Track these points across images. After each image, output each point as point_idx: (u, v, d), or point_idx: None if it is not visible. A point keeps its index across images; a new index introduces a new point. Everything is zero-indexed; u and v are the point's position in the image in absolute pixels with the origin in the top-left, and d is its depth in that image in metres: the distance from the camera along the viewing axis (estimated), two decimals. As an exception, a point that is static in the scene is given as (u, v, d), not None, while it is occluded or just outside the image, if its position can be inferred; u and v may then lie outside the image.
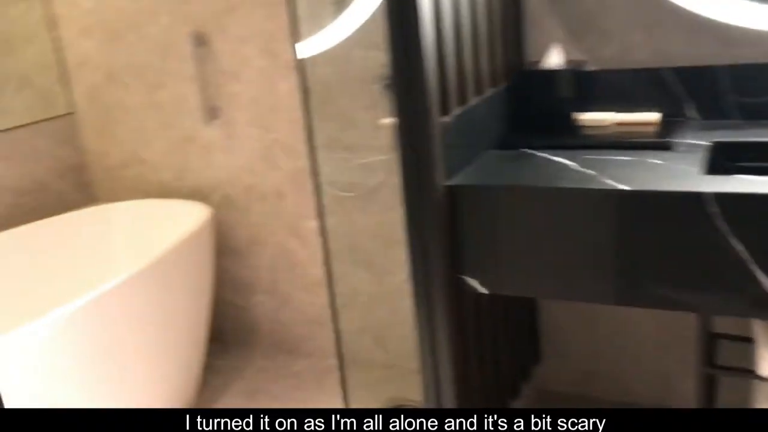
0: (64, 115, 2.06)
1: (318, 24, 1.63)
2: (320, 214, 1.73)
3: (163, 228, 1.86)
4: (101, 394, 1.42)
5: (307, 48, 1.63)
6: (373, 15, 1.52)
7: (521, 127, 1.39)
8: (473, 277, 1.13)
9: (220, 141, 1.90)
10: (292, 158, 1.83)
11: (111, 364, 1.44)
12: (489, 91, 1.28)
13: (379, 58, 1.64)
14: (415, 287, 1.15)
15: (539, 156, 1.21)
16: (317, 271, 1.90)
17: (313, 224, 1.86)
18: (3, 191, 1.89)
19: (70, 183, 2.08)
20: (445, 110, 1.11)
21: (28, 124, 1.98)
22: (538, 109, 1.40)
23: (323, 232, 1.70)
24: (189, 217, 1.79)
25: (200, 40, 1.81)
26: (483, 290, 1.13)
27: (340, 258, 1.78)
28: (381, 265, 1.77)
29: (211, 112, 1.86)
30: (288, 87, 1.76)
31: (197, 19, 1.80)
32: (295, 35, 1.65)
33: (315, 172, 1.71)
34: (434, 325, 1.14)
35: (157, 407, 1.57)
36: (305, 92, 1.66)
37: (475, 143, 1.24)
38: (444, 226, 1.10)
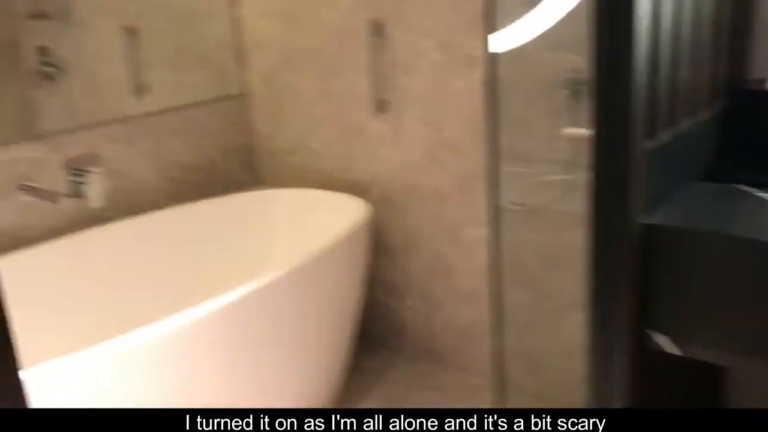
0: (237, 95, 2.08)
1: (504, 19, 1.49)
2: (490, 224, 1.61)
3: (323, 221, 1.82)
4: (241, 391, 1.40)
5: (491, 45, 1.50)
6: (570, 13, 1.35)
7: (734, 156, 1.17)
8: (664, 333, 0.96)
9: (386, 135, 1.82)
10: (459, 160, 1.71)
11: (255, 360, 1.42)
12: (704, 113, 1.09)
13: (568, 62, 1.48)
14: (592, 334, 0.99)
15: (758, 196, 1.01)
16: (473, 282, 1.78)
17: (474, 232, 1.73)
18: (174, 166, 1.93)
19: (238, 163, 2.10)
20: (652, 131, 0.94)
21: (203, 102, 2.01)
22: (760, 137, 1.17)
23: (492, 242, 1.58)
24: (349, 213, 1.73)
25: (377, 29, 1.73)
26: (674, 350, 0.96)
27: (501, 272, 1.64)
28: (543, 288, 1.62)
29: (381, 105, 1.79)
30: (463, 84, 1.64)
31: (377, 6, 1.72)
32: (487, 28, 1.52)
33: (490, 179, 1.59)
34: (611, 383, 0.98)
35: (297, 407, 1.54)
36: (490, 91, 1.53)
37: (679, 173, 1.05)
38: (636, 269, 0.94)
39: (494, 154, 1.50)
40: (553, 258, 1.58)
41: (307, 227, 1.88)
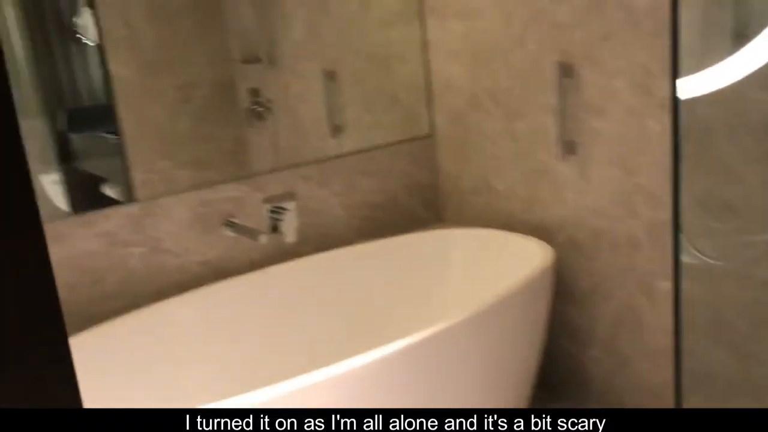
0: (424, 136, 2.12)
1: (708, 59, 1.39)
2: (675, 276, 1.49)
3: (505, 264, 1.79)
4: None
5: (690, 86, 1.40)
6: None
7: None
8: None
9: (573, 178, 1.76)
10: (654, 208, 1.60)
11: (430, 405, 1.42)
12: None
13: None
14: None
15: None
16: (667, 340, 1.65)
17: (668, 285, 1.61)
18: (361, 204, 2.01)
19: (420, 202, 2.14)
20: None
21: (392, 143, 2.07)
22: None
23: (676, 296, 1.46)
24: (533, 257, 1.69)
25: (566, 71, 1.68)
26: None
27: (697, 331, 1.51)
28: (750, 351, 1.46)
29: (568, 147, 1.73)
30: (661, 128, 1.54)
31: (566, 47, 1.68)
32: (675, 70, 1.43)
33: (676, 227, 1.48)
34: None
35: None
36: (675, 134, 1.43)
37: None
38: None
39: (679, 201, 1.39)
40: (764, 318, 1.43)
41: (489, 268, 1.86)
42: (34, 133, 1.61)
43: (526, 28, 1.76)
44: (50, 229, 1.50)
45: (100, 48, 1.62)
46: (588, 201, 1.74)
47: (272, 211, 1.79)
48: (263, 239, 1.62)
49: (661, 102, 1.53)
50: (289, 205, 1.83)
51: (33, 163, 1.58)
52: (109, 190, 1.68)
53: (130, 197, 1.65)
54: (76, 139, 1.67)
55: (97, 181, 1.70)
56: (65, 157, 1.66)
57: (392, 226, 2.08)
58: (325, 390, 1.26)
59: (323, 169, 1.93)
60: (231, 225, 1.74)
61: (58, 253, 1.52)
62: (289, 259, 1.86)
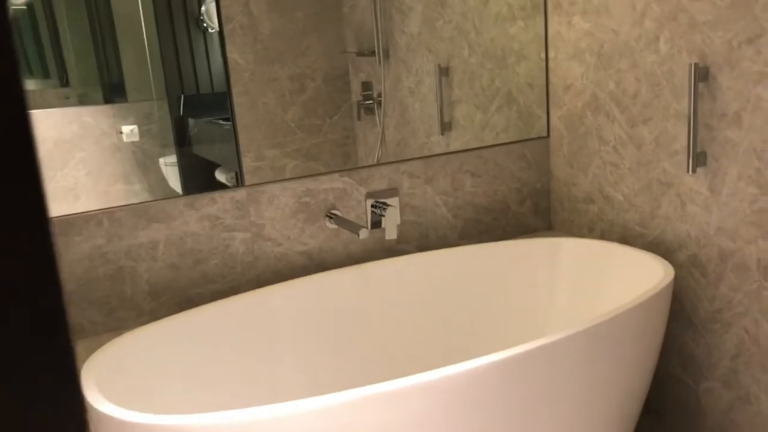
0: (538, 138, 2.03)
1: None
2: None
3: (619, 279, 1.67)
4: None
5: None
6: None
7: None
8: None
9: (701, 193, 1.61)
10: (792, 230, 1.44)
11: (528, 422, 1.33)
12: None
13: None
14: None
15: None
16: (797, 378, 1.48)
17: (804, 318, 1.45)
18: (468, 206, 1.94)
19: (531, 207, 2.04)
20: None
21: (504, 144, 1.99)
22: None
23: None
24: (649, 273, 1.57)
25: (702, 74, 1.54)
26: None
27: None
28: None
29: (698, 159, 1.59)
30: (808, 142, 1.38)
31: (703, 49, 1.54)
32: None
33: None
34: None
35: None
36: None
37: None
38: None
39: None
40: None
41: (601, 282, 1.74)
42: (156, 117, 1.66)
43: (659, 27, 1.63)
44: (158, 209, 1.53)
45: (221, 35, 1.64)
46: (716, 218, 1.59)
47: (374, 206, 1.76)
48: (364, 233, 1.58)
49: (811, 113, 1.36)
50: (392, 201, 1.79)
51: (153, 145, 1.63)
52: (220, 176, 1.70)
53: (239, 183, 1.66)
54: (193, 125, 1.71)
55: (209, 165, 1.72)
56: (182, 141, 1.69)
57: (498, 231, 1.99)
58: (414, 396, 1.20)
59: (429, 167, 1.87)
60: (332, 217, 1.72)
61: (164, 231, 1.56)
62: (389, 255, 1.82)
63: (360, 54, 1.94)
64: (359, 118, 1.91)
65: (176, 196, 1.60)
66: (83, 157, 1.57)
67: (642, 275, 1.59)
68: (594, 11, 1.80)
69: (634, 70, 1.72)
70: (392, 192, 1.81)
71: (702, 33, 1.54)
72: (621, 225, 1.84)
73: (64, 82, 1.61)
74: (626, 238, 1.82)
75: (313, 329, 1.67)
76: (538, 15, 1.97)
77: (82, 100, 1.62)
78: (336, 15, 1.82)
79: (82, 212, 1.50)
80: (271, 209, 1.67)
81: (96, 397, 1.16)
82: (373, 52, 1.94)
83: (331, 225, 1.73)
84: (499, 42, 1.99)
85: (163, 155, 1.66)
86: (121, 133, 1.63)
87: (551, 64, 1.98)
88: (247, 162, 1.69)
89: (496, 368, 1.25)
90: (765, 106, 1.44)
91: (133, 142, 1.63)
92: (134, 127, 1.64)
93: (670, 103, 1.64)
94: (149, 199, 1.56)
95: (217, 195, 1.62)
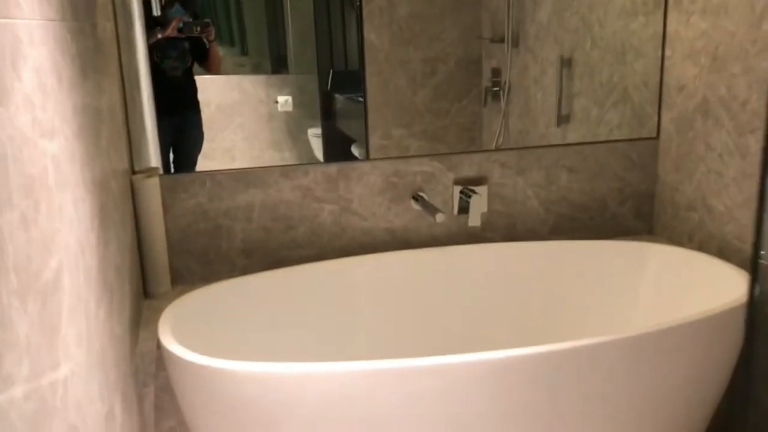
0: (646, 138, 1.96)
1: None
2: None
3: (699, 292, 1.61)
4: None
5: None
6: None
7: None
8: None
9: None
10: None
11: (574, 424, 1.34)
12: None
13: None
14: None
15: None
16: None
17: None
18: (561, 201, 1.93)
19: (632, 210, 1.99)
20: None
21: (611, 141, 1.95)
22: None
23: None
24: (732, 287, 1.50)
25: (814, 84, 1.43)
26: None
27: None
28: None
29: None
30: None
31: (820, 57, 1.43)
32: None
33: None
34: None
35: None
36: None
37: None
38: None
39: None
40: None
41: (682, 291, 1.68)
42: (308, 90, 1.81)
43: None
44: (256, 176, 1.68)
45: (359, 15, 1.74)
46: (816, 240, 1.48)
47: (462, 192, 1.81)
48: (440, 218, 1.64)
49: None
50: (480, 189, 1.83)
51: (303, 116, 1.78)
52: (355, 150, 1.83)
53: (367, 158, 1.78)
54: (338, 100, 1.85)
55: (347, 140, 1.85)
56: (327, 115, 1.84)
57: (595, 230, 1.96)
58: (462, 374, 1.26)
59: (523, 158, 1.89)
60: (418, 199, 1.79)
61: (260, 196, 1.71)
62: (472, 242, 1.86)
63: (494, 40, 1.98)
64: (485, 104, 1.96)
65: (319, 164, 1.74)
66: (241, 122, 1.77)
67: (725, 288, 1.51)
68: (713, 11, 1.71)
69: (747, 75, 1.62)
70: (481, 180, 1.85)
71: (819, 39, 1.42)
72: (720, 237, 1.75)
73: (245, 51, 1.80)
74: (723, 251, 1.73)
75: (392, 303, 1.76)
76: (658, 11, 1.90)
77: (255, 69, 1.81)
78: (473, 0, 1.86)
79: (237, 168, 1.69)
80: (359, 186, 1.78)
81: (168, 338, 1.32)
82: (503, 39, 1.97)
83: (415, 206, 1.80)
84: (620, 36, 1.94)
85: (311, 126, 1.81)
86: (276, 102, 1.80)
87: (667, 63, 1.91)
88: (374, 140, 1.80)
89: (563, 357, 1.27)
90: None
91: (286, 112, 1.79)
92: (289, 98, 1.80)
93: (779, 112, 1.54)
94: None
95: (310, 168, 1.75)
